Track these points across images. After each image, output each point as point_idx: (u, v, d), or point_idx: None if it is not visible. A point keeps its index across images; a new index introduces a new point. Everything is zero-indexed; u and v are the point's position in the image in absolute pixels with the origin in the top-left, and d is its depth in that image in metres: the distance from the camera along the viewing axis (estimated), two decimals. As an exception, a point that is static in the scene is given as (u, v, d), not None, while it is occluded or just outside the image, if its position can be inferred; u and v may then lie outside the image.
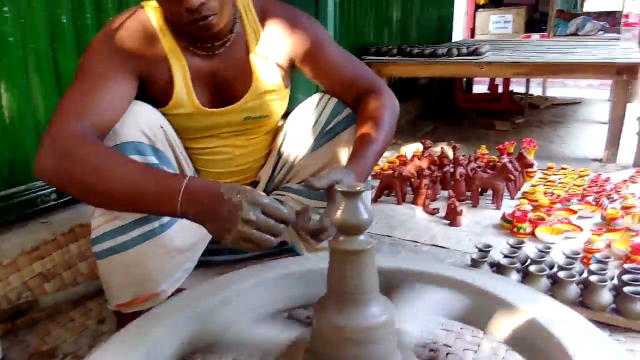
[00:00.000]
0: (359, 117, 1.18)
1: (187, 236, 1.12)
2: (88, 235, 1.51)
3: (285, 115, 1.34)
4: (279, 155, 1.31)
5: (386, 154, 3.06)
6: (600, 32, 7.13)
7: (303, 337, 0.86)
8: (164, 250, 1.08)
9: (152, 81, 1.11)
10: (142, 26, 1.08)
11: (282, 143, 1.30)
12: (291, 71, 1.27)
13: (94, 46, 1.05)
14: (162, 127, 1.11)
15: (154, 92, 1.12)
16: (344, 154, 1.23)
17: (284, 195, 1.28)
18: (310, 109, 1.27)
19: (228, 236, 0.84)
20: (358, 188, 0.77)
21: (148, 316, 0.91)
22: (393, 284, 1.03)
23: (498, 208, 2.06)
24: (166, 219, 1.06)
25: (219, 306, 0.95)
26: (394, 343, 0.82)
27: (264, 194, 0.87)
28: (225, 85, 1.18)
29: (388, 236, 1.84)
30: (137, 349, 0.81)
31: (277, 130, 1.34)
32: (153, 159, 1.05)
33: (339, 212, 0.79)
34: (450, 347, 1.19)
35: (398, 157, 2.66)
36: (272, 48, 1.20)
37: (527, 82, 4.10)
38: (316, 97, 1.27)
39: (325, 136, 1.24)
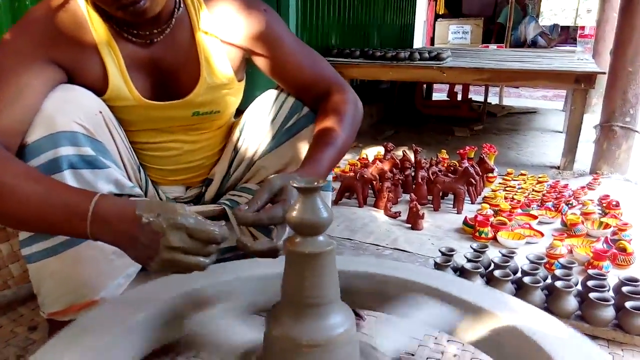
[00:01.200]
0: (320, 111, 1.08)
1: None
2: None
3: (239, 112, 1.25)
4: (236, 151, 1.22)
5: (347, 156, 3.01)
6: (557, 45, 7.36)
7: (256, 347, 0.77)
8: (101, 253, 0.97)
9: (81, 72, 0.98)
10: (66, 13, 0.96)
11: (238, 138, 1.21)
12: (245, 64, 1.16)
13: (6, 37, 0.92)
14: (101, 112, 0.99)
15: (87, 83, 0.99)
16: (303, 152, 1.16)
17: (240, 196, 1.19)
18: (268, 104, 1.18)
19: (152, 264, 0.73)
20: (316, 184, 0.69)
21: (99, 311, 0.81)
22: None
23: (459, 212, 2.03)
24: None
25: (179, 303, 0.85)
26: (356, 355, 0.74)
27: (189, 211, 0.73)
28: (170, 77, 1.06)
29: (349, 239, 1.78)
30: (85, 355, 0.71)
31: (232, 125, 1.25)
32: (89, 150, 0.93)
33: (294, 211, 0.69)
34: (413, 355, 1.13)
35: (359, 159, 2.61)
36: (222, 30, 1.08)
37: (486, 90, 4.15)
38: (275, 91, 1.19)
39: (285, 134, 1.16)
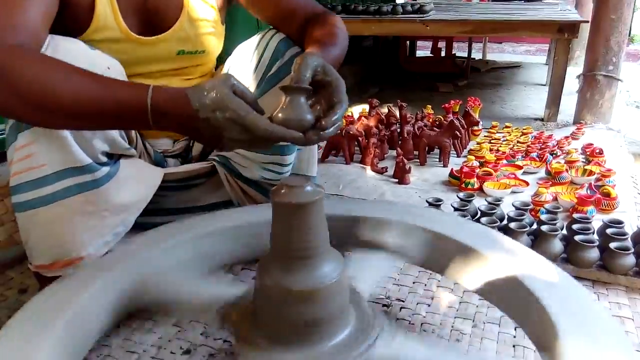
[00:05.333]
0: (309, 32, 1.03)
1: (124, 195, 1.00)
2: (5, 198, 1.36)
3: (221, 61, 1.23)
4: None
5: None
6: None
7: (247, 296, 0.78)
8: (95, 208, 0.95)
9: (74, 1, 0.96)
10: None
11: None
12: (227, 4, 1.16)
13: None
14: (109, 68, 0.95)
15: (75, 14, 0.97)
16: None
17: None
18: (250, 50, 1.15)
19: (224, 149, 0.79)
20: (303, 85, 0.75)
21: (74, 275, 0.80)
22: (347, 233, 0.97)
23: (445, 165, 2.04)
24: (101, 173, 0.94)
25: (157, 261, 0.85)
26: (346, 302, 0.75)
27: (244, 100, 0.75)
28: (157, 11, 1.06)
29: (337, 195, 1.78)
30: (61, 314, 0.71)
31: (214, 75, 1.23)
32: None
33: (279, 112, 0.76)
34: (403, 301, 1.15)
35: (344, 117, 2.59)
36: None
37: (469, 45, 4.11)
38: (256, 38, 1.16)
39: (268, 82, 1.13)
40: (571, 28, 2.52)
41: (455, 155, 2.14)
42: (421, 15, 2.84)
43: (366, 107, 2.54)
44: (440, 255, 0.94)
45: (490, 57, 5.22)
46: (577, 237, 1.21)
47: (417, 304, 1.14)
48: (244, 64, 1.16)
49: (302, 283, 0.70)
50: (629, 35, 7.58)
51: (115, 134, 0.99)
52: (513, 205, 1.39)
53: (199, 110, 0.73)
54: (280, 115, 0.76)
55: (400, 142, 2.17)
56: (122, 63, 1.04)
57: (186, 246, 0.92)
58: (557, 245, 1.23)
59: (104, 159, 0.96)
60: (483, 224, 1.29)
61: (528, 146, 2.15)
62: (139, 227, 1.12)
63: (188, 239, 0.93)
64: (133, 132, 1.11)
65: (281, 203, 0.69)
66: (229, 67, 1.20)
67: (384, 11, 2.91)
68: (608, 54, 2.41)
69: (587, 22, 2.54)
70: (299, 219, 0.69)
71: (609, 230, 1.23)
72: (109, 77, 0.80)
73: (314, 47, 0.94)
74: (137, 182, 1.04)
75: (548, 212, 1.35)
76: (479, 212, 1.38)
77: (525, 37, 5.38)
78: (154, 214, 1.20)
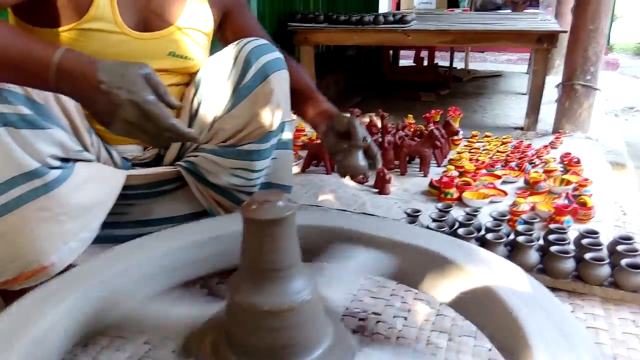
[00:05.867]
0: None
1: (81, 197, 0.96)
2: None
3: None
4: (194, 113, 1.19)
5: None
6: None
7: (219, 316, 0.76)
8: (50, 213, 0.91)
9: None
10: None
11: (194, 96, 1.19)
12: (220, 22, 1.22)
13: None
14: None
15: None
16: (261, 112, 1.13)
17: (197, 156, 1.16)
18: (222, 60, 1.15)
19: (109, 128, 0.80)
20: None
21: (36, 294, 0.78)
22: (319, 243, 0.96)
23: (425, 175, 2.05)
24: (51, 176, 0.90)
25: (120, 279, 0.83)
26: (321, 319, 0.74)
27: (155, 85, 0.80)
28: (157, 11, 1.09)
29: (317, 206, 1.77)
30: (23, 336, 0.68)
31: (188, 85, 1.22)
32: (23, 109, 0.86)
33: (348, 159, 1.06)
34: (380, 315, 1.14)
35: (326, 127, 2.59)
36: None
37: (451, 55, 4.15)
38: (228, 48, 1.16)
39: (241, 93, 1.13)
40: (550, 38, 2.55)
41: (436, 165, 2.15)
42: (402, 25, 2.86)
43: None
44: (413, 268, 0.93)
45: (472, 66, 5.27)
46: (552, 248, 1.22)
47: (394, 317, 1.13)
48: (216, 73, 1.15)
49: (273, 301, 0.68)
50: (608, 44, 7.72)
51: (63, 136, 0.94)
52: (490, 216, 1.39)
53: (102, 82, 0.76)
54: (349, 161, 1.09)
55: (381, 152, 2.16)
56: (113, 56, 1.02)
57: (153, 261, 0.90)
58: (534, 256, 1.23)
59: (56, 162, 0.92)
60: (460, 235, 1.29)
61: (507, 156, 2.17)
62: (109, 240, 1.10)
63: (155, 255, 0.90)
64: (92, 135, 1.08)
65: (251, 219, 0.68)
66: (200, 77, 1.18)
67: (366, 21, 2.92)
68: (586, 63, 2.44)
69: (566, 32, 2.58)
70: (270, 236, 0.68)
71: (584, 241, 1.24)
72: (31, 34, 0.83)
73: (320, 99, 1.23)
74: (96, 184, 1.00)
75: (525, 222, 1.35)
76: (457, 223, 1.38)
77: (505, 47, 5.45)
78: (124, 226, 1.18)
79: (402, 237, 0.95)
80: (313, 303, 0.71)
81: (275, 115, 1.15)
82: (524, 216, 1.41)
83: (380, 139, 2.26)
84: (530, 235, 1.26)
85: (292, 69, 1.19)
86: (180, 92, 1.22)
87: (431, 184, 1.86)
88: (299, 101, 1.23)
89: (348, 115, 1.14)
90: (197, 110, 1.18)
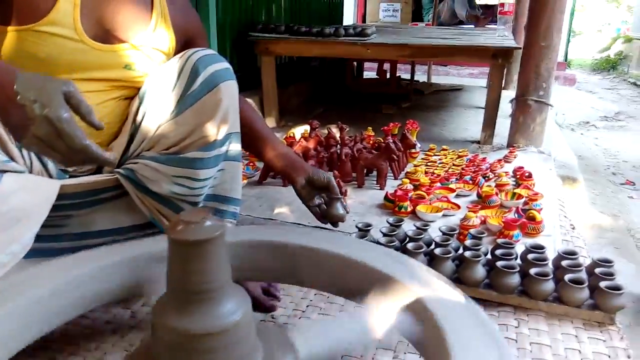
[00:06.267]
0: (243, 110, 1.23)
1: (6, 209, 0.92)
2: None
3: None
4: (136, 124, 1.15)
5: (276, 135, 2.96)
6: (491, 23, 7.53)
7: (146, 341, 0.73)
8: None
9: None
10: None
11: (138, 109, 1.15)
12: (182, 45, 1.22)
13: None
14: None
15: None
16: (208, 120, 1.11)
17: (137, 163, 1.13)
18: (167, 72, 1.12)
19: (21, 141, 0.77)
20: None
21: None
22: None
23: (382, 188, 2.05)
24: None
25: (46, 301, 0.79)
26: (251, 340, 0.71)
27: (74, 100, 0.78)
28: (121, 25, 1.09)
29: (270, 219, 1.75)
30: None
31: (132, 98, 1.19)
32: None
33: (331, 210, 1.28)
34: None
35: (286, 138, 2.57)
36: (174, 13, 1.19)
37: (412, 68, 4.21)
38: (174, 58, 1.14)
39: (187, 101, 1.10)
40: (504, 54, 2.61)
41: (393, 178, 2.16)
42: (362, 38, 2.88)
43: (308, 127, 2.53)
44: (356, 284, 0.92)
45: (435, 79, 5.36)
46: (499, 263, 1.22)
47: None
48: (162, 84, 1.12)
49: (200, 324, 0.66)
50: (566, 60, 7.99)
51: None
52: (440, 230, 1.40)
53: (18, 93, 0.73)
54: (333, 211, 1.31)
55: (339, 164, 2.16)
56: (67, 62, 1.04)
57: (71, 287, 0.85)
58: (480, 271, 1.24)
59: None
60: (409, 250, 1.29)
61: (462, 169, 2.19)
62: (50, 253, 1.06)
63: (74, 277, 0.86)
64: (26, 154, 1.03)
65: (177, 240, 0.65)
66: (145, 89, 1.15)
67: (326, 33, 2.93)
68: (538, 79, 2.50)
69: (520, 48, 2.64)
70: (197, 257, 0.65)
71: (530, 256, 1.25)
72: None
73: (284, 148, 1.38)
74: (25, 194, 0.96)
75: (473, 237, 1.36)
76: (407, 238, 1.38)
77: (462, 62, 5.57)
78: (63, 239, 1.13)
79: (345, 252, 0.94)
80: (243, 324, 0.69)
81: (222, 124, 1.13)
82: (472, 230, 1.42)
83: (338, 151, 2.26)
84: (478, 250, 1.26)
85: (246, 109, 1.27)
86: (124, 107, 1.19)
87: (386, 197, 1.86)
88: (259, 145, 1.36)
89: (324, 172, 1.34)
90: (140, 122, 1.15)
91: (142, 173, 1.12)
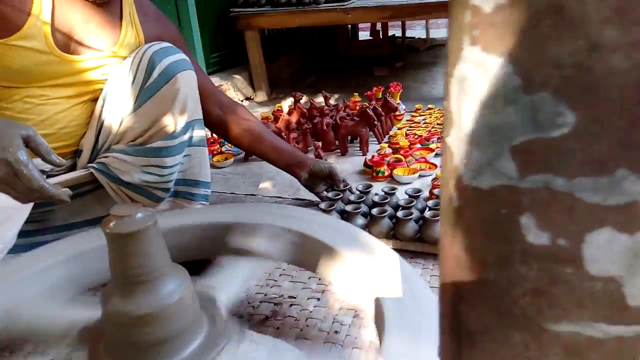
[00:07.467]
0: (242, 118, 1.44)
1: None
2: None
3: None
4: (101, 121, 1.22)
5: (263, 109, 3.00)
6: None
7: (99, 322, 0.81)
8: None
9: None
10: None
11: (102, 107, 1.22)
12: None
13: None
14: None
15: (6, 15, 1.02)
16: (169, 110, 1.18)
17: (107, 157, 1.21)
18: (126, 67, 1.19)
19: None
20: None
21: None
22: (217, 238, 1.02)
23: (364, 154, 2.09)
24: None
25: (25, 288, 0.88)
26: (193, 317, 0.79)
27: (34, 144, 0.86)
28: (92, 36, 1.16)
29: (251, 195, 1.82)
30: None
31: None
32: None
33: None
34: (295, 297, 1.20)
35: (274, 112, 2.62)
36: (147, 24, 1.27)
37: (403, 25, 4.16)
38: (129, 58, 1.20)
39: (147, 92, 1.17)
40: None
41: (377, 143, 2.19)
42: (342, 4, 2.87)
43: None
44: (305, 254, 0.99)
45: (434, 33, 5.27)
46: (427, 214, 1.30)
47: (308, 299, 1.20)
48: (121, 81, 1.18)
49: (142, 307, 0.73)
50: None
51: None
52: (406, 193, 1.45)
53: None
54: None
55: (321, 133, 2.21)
56: (40, 74, 1.11)
57: (55, 270, 0.94)
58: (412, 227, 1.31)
59: None
60: (373, 215, 1.35)
61: (444, 127, 2.21)
62: (29, 247, 1.15)
63: (57, 262, 0.95)
64: None
65: (112, 234, 0.72)
66: (107, 89, 1.21)
67: (306, 2, 2.93)
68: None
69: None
70: (133, 247, 0.72)
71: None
72: None
73: (289, 148, 1.58)
74: (6, 196, 1.05)
75: (410, 196, 1.43)
76: (373, 203, 1.44)
77: (443, 18, 5.44)
78: (43, 233, 1.22)
79: (296, 224, 1.01)
80: (183, 303, 0.76)
81: (182, 113, 1.20)
82: (408, 190, 1.47)
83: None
84: (410, 208, 1.33)
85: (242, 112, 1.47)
86: (93, 107, 1.25)
87: (365, 163, 1.91)
88: (261, 149, 1.52)
89: (325, 162, 1.53)
90: (104, 118, 1.22)
91: (114, 165, 1.20)
